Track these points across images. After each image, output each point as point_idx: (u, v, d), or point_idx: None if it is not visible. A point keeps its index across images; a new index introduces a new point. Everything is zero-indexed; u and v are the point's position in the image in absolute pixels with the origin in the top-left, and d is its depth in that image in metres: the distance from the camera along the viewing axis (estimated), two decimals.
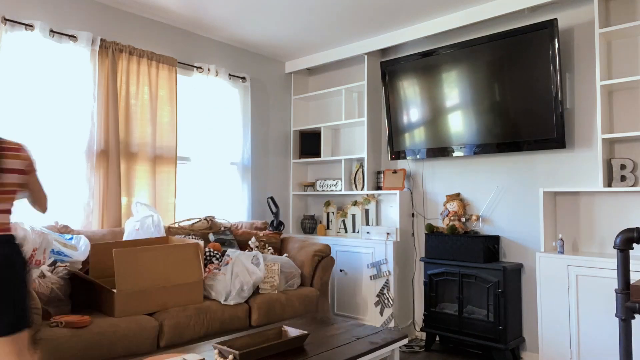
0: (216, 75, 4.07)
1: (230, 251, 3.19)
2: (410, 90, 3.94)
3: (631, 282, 1.67)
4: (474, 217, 3.68)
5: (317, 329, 2.46)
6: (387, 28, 3.97)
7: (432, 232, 3.74)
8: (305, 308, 3.37)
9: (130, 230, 3.09)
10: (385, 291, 3.83)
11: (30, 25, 3.02)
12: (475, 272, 3.40)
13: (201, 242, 2.99)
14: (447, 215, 3.78)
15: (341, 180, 4.45)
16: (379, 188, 4.25)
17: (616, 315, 1.62)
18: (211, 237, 3.57)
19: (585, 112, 3.26)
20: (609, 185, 3.01)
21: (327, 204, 4.66)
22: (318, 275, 3.59)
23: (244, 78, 4.34)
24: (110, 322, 2.41)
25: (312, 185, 4.77)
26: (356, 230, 4.38)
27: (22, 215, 3.00)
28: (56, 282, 2.48)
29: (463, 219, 3.74)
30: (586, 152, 3.25)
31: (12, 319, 1.83)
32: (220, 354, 1.96)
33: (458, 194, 3.82)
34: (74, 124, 3.22)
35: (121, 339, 2.40)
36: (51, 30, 3.12)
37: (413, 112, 3.93)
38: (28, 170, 2.01)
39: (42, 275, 2.42)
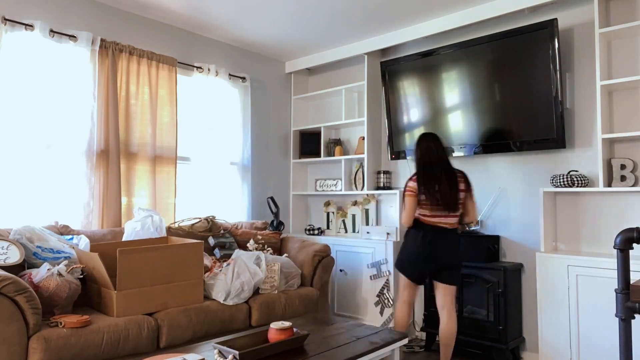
0: (216, 75, 4.07)
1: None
2: (410, 90, 3.94)
3: (631, 282, 1.67)
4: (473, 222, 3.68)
5: (317, 329, 2.46)
6: (387, 28, 3.97)
7: None
8: (305, 308, 3.37)
9: (130, 231, 3.09)
10: (385, 291, 3.83)
11: (30, 25, 3.02)
12: (475, 272, 3.40)
13: None
14: None
15: (341, 180, 4.46)
16: (379, 188, 4.25)
17: (616, 315, 1.62)
18: (211, 240, 3.56)
19: (585, 112, 3.26)
20: (609, 185, 3.01)
21: (327, 204, 4.66)
22: (318, 275, 3.59)
23: (244, 78, 4.34)
24: (110, 322, 2.41)
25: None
26: (356, 230, 4.38)
27: (21, 215, 3.00)
28: (74, 282, 2.49)
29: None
30: (586, 152, 3.25)
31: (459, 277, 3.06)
32: (220, 354, 1.96)
33: None
34: (74, 124, 3.22)
35: (121, 339, 2.40)
36: (51, 30, 3.12)
37: (413, 112, 3.93)
38: (467, 189, 3.00)
39: (60, 274, 2.43)
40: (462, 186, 2.95)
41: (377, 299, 3.87)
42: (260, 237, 3.76)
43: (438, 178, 2.90)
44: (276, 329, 2.13)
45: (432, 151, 2.96)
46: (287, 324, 2.16)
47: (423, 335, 3.97)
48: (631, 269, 2.72)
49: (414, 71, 3.90)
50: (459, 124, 3.66)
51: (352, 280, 4.09)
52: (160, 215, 3.24)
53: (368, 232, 4.08)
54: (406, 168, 4.20)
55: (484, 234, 3.63)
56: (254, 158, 4.51)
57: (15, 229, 2.64)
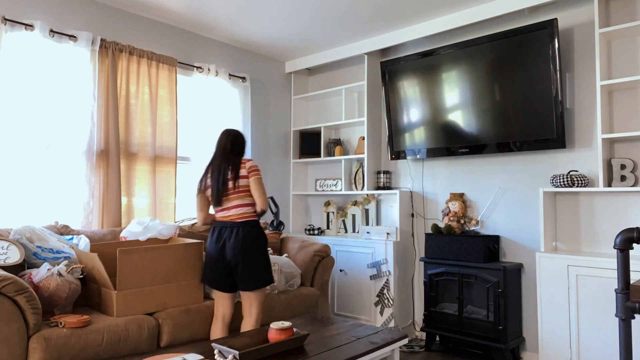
0: (216, 75, 4.07)
1: None
2: (410, 90, 3.94)
3: (631, 282, 1.67)
4: (473, 222, 3.68)
5: (317, 329, 2.46)
6: (387, 28, 3.97)
7: (438, 232, 3.71)
8: (305, 308, 3.36)
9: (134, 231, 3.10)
10: (385, 291, 3.83)
11: (30, 25, 3.02)
12: (475, 272, 3.40)
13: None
14: (447, 214, 3.78)
15: (341, 180, 4.46)
16: (379, 188, 4.25)
17: (616, 315, 1.62)
18: None
19: (585, 112, 3.26)
20: (609, 185, 3.01)
21: (327, 204, 4.66)
22: (318, 275, 3.59)
23: (244, 78, 4.34)
24: (110, 322, 2.41)
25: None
26: (356, 230, 4.38)
27: (21, 215, 3.00)
28: (74, 282, 2.49)
29: (462, 221, 3.74)
30: (586, 152, 3.25)
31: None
32: (220, 353, 1.96)
33: (462, 194, 3.81)
34: (74, 124, 3.22)
35: (121, 339, 2.40)
36: (51, 30, 3.12)
37: (413, 112, 3.93)
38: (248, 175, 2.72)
39: (60, 274, 2.43)
40: (241, 172, 2.68)
41: (377, 299, 3.88)
42: None
43: (214, 170, 2.73)
44: (276, 329, 2.12)
45: (221, 144, 2.77)
46: (287, 324, 2.16)
47: (423, 335, 3.97)
48: (631, 269, 2.72)
49: (414, 71, 3.90)
50: (459, 124, 3.66)
51: (352, 280, 4.09)
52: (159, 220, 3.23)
53: (368, 232, 4.08)
54: (406, 168, 4.20)
55: (484, 234, 3.63)
56: (254, 158, 4.51)
57: (15, 229, 2.64)
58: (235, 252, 2.62)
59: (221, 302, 2.75)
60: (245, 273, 2.63)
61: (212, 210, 2.84)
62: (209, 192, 2.76)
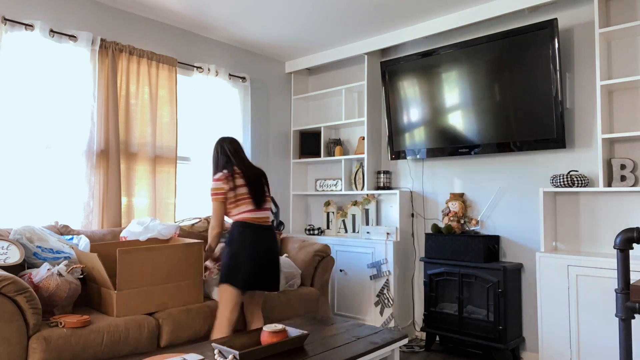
0: (216, 75, 4.07)
1: None
2: (410, 90, 3.94)
3: (631, 282, 1.67)
4: (473, 222, 3.68)
5: (317, 329, 2.46)
6: (387, 28, 3.97)
7: (438, 232, 3.71)
8: (305, 308, 3.37)
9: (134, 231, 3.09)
10: (385, 291, 3.83)
11: (30, 25, 3.02)
12: (475, 272, 3.40)
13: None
14: (447, 214, 3.78)
15: (341, 180, 4.46)
16: (379, 188, 4.25)
17: (616, 315, 1.62)
18: None
19: (585, 112, 3.26)
20: (609, 185, 3.01)
21: (327, 203, 4.66)
22: (318, 275, 3.59)
23: (244, 78, 4.34)
24: (110, 322, 2.41)
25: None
26: (356, 230, 4.38)
27: (21, 215, 3.00)
28: (74, 282, 2.49)
29: (462, 221, 3.74)
30: (586, 152, 3.25)
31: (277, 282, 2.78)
32: (220, 353, 1.96)
33: (462, 194, 3.81)
34: (74, 124, 3.22)
35: (121, 339, 2.40)
36: (51, 30, 3.12)
37: (413, 112, 3.93)
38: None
39: (60, 274, 2.43)
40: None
41: (377, 299, 3.88)
42: None
43: (246, 173, 2.79)
44: (269, 331, 2.12)
45: (235, 149, 2.85)
46: (279, 326, 2.15)
47: (423, 335, 3.97)
48: (631, 269, 2.72)
49: (414, 71, 3.90)
50: (459, 124, 3.66)
51: (352, 280, 4.09)
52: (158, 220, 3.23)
53: (368, 232, 4.08)
54: (406, 168, 4.20)
55: (484, 234, 3.63)
56: (254, 158, 4.51)
57: (15, 229, 2.64)
58: (276, 252, 2.79)
59: (237, 305, 2.66)
60: (277, 273, 2.78)
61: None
62: (240, 192, 2.73)
